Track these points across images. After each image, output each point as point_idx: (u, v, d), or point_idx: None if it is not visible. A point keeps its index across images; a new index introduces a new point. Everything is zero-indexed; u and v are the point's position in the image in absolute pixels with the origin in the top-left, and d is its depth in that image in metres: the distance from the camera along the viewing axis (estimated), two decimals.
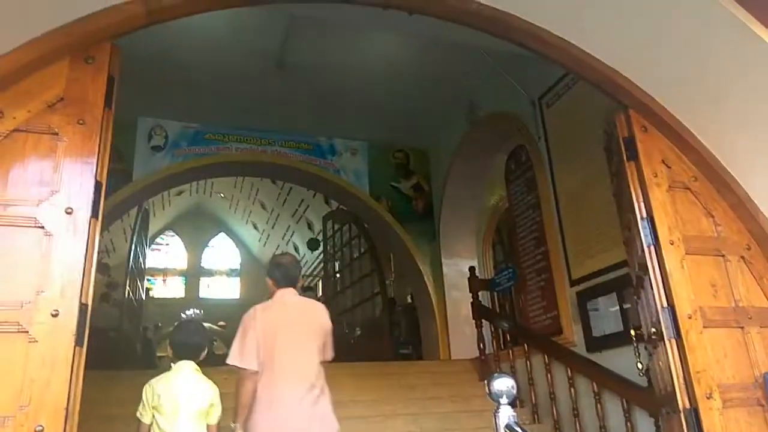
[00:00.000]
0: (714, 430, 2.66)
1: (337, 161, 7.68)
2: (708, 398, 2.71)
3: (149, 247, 17.55)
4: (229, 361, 3.00)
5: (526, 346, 5.54)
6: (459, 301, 7.26)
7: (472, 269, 6.62)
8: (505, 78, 5.93)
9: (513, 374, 5.62)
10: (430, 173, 8.10)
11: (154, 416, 2.87)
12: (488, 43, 3.80)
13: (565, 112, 5.37)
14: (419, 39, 5.73)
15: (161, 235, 19.16)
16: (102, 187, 2.47)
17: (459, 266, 7.49)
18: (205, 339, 3.14)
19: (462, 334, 7.10)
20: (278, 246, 17.16)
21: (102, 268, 6.22)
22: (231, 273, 20.29)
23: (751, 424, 2.78)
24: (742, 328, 2.94)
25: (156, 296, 18.43)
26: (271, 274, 3.28)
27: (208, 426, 2.90)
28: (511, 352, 5.85)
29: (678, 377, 2.76)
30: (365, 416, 4.92)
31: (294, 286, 3.30)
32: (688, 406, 2.72)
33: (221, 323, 17.97)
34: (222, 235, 20.24)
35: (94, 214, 2.38)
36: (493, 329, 6.53)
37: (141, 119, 7.01)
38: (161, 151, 7.01)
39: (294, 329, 3.09)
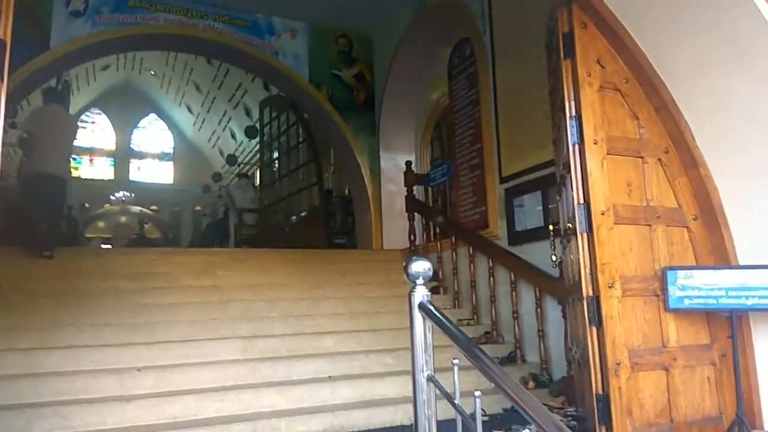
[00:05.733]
0: (611, 315, 2.92)
1: (276, 42, 7.26)
2: (610, 287, 2.95)
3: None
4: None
5: (453, 238, 5.77)
6: (394, 194, 7.39)
7: (408, 164, 6.68)
8: None
9: (439, 264, 5.91)
10: (374, 62, 7.85)
11: None
12: None
13: (513, 5, 5.23)
14: None
15: (86, 113, 18.04)
16: (6, 46, 2.24)
17: (396, 160, 7.55)
18: None
19: (395, 226, 7.29)
20: (214, 131, 16.60)
21: (20, 142, 5.87)
22: (163, 157, 19.61)
23: (645, 311, 3.06)
24: (649, 225, 3.15)
25: (83, 176, 17.71)
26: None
27: None
28: (439, 243, 6.09)
29: (585, 268, 2.97)
30: (297, 298, 5.11)
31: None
32: (590, 294, 2.95)
33: (153, 207, 17.65)
34: (153, 116, 19.27)
35: None
36: (424, 222, 6.74)
37: None
38: (81, 17, 6.39)
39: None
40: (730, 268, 3.08)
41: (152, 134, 19.51)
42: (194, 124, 17.65)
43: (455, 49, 6.32)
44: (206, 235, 12.98)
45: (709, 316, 3.14)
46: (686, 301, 3.01)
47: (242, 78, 11.64)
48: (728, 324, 3.04)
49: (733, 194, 3.15)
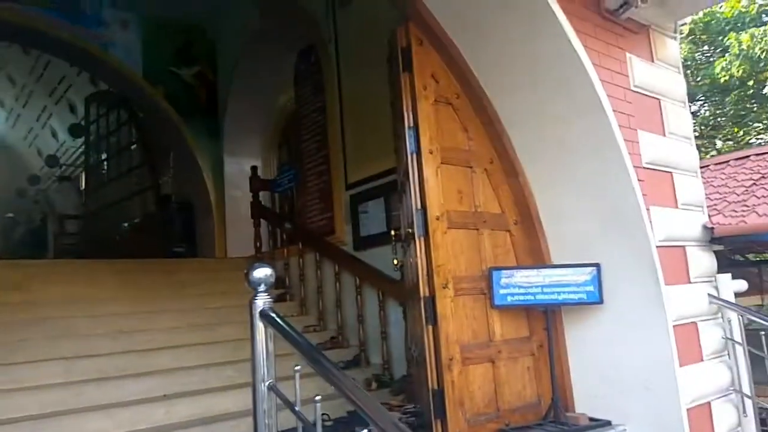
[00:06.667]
0: (445, 313, 3.12)
1: (105, 33, 6.66)
2: (444, 288, 3.15)
3: None
4: None
5: (300, 244, 5.75)
6: (239, 200, 7.16)
7: (254, 168, 6.52)
8: None
9: (286, 271, 5.84)
10: (217, 63, 7.54)
11: None
12: None
13: (358, 16, 5.36)
14: None
15: None
16: None
17: (241, 165, 7.33)
18: None
19: (240, 233, 7.05)
20: (31, 129, 14.74)
21: None
22: None
23: (474, 309, 3.33)
24: (477, 230, 3.43)
25: None
26: None
27: None
28: (286, 250, 6.02)
29: (422, 270, 3.14)
30: (127, 313, 4.70)
31: None
32: (427, 294, 3.12)
33: None
34: None
35: None
36: (271, 228, 6.62)
37: None
38: None
39: None
40: (545, 267, 3.46)
41: None
42: (7, 120, 15.48)
43: (301, 55, 6.32)
44: (22, 245, 11.46)
45: (528, 311, 3.49)
46: (509, 298, 3.32)
47: (66, 71, 10.47)
48: (544, 318, 3.41)
49: (547, 201, 3.55)
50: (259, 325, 2.09)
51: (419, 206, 3.18)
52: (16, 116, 14.88)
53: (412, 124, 3.26)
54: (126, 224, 8.47)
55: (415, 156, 3.23)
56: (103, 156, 9.10)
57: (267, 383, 2.05)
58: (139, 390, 3.72)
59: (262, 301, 2.08)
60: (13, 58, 11.63)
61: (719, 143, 14.20)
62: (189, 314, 4.94)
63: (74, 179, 12.01)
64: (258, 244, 6.26)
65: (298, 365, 1.98)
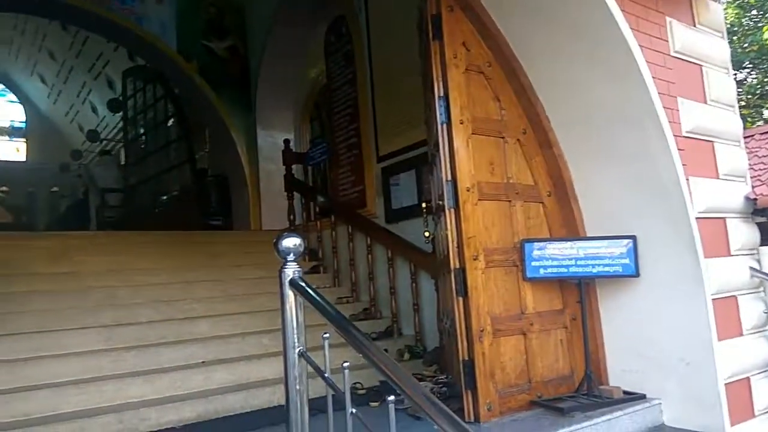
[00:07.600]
0: (476, 285, 3.10)
1: (139, 8, 6.73)
2: (474, 260, 3.12)
3: None
4: None
5: (333, 217, 5.79)
6: (273, 173, 7.24)
7: (287, 142, 6.56)
8: None
9: (319, 243, 5.91)
10: (248, 35, 7.55)
11: None
12: None
13: None
14: None
15: None
16: None
17: (275, 138, 7.39)
18: None
19: (274, 206, 7.15)
20: (72, 105, 15.16)
21: None
22: (14, 132, 17.55)
23: (505, 281, 3.30)
24: (509, 201, 3.38)
25: None
26: None
27: None
28: (319, 223, 6.08)
29: (452, 242, 3.12)
30: (167, 283, 4.85)
31: None
32: (457, 266, 3.11)
33: (3, 188, 15.80)
34: (0, 86, 17.15)
35: None
36: (304, 201, 6.69)
37: None
38: None
39: None
40: (579, 239, 3.40)
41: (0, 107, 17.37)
42: (49, 96, 15.96)
43: (331, 27, 6.26)
44: (66, 218, 11.89)
45: (561, 283, 3.45)
46: (541, 271, 3.28)
47: (104, 46, 10.69)
48: (578, 290, 3.36)
49: (581, 172, 3.47)
50: (289, 294, 2.12)
51: (449, 177, 3.15)
52: (57, 92, 15.33)
53: (442, 94, 3.20)
54: (164, 197, 8.68)
55: (445, 126, 3.18)
56: (141, 130, 9.30)
57: (297, 350, 2.09)
58: (177, 357, 3.85)
59: (291, 270, 2.10)
60: (53, 34, 11.92)
61: (767, 113, 13.57)
62: (226, 284, 5.05)
63: (114, 153, 12.32)
64: (291, 216, 6.34)
65: (326, 333, 2.01)
